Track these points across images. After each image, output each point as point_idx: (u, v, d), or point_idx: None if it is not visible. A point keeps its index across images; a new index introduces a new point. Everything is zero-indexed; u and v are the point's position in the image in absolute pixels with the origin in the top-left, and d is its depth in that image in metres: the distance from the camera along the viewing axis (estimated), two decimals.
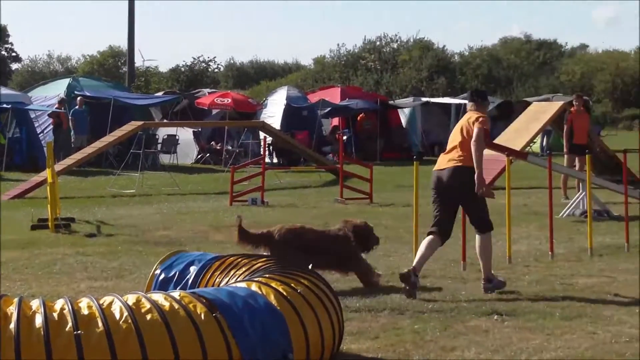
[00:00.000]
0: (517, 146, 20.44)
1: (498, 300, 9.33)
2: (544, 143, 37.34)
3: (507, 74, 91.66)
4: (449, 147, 10.06)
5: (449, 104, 40.59)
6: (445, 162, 9.92)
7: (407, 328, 8.18)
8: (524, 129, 22.64)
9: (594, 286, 10.02)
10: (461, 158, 9.78)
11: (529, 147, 28.93)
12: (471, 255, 11.72)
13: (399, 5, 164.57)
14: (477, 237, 10.12)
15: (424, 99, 43.11)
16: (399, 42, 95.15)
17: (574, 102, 20.04)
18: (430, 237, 9.86)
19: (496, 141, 21.55)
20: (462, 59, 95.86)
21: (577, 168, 18.57)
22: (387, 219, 16.52)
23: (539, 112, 23.27)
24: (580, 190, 16.69)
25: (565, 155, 19.36)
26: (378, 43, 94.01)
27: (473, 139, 9.61)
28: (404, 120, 38.50)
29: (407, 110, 38.61)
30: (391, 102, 42.07)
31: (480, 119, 9.77)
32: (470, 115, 9.96)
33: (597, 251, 12.27)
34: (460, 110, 38.16)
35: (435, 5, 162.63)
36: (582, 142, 19.42)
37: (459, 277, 10.72)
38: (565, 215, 16.24)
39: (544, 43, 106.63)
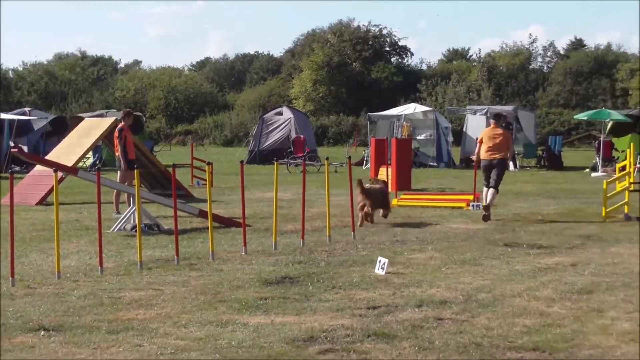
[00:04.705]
0: (70, 161, 20.34)
1: (46, 316, 9.19)
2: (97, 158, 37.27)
3: (62, 89, 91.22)
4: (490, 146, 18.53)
5: (3, 120, 39.31)
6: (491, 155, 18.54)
7: None
8: (77, 145, 22.54)
9: (141, 299, 10.16)
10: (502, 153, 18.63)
11: (82, 162, 28.86)
12: (20, 272, 11.52)
13: None
14: (492, 190, 18.37)
15: None
16: None
17: (123, 118, 20.14)
18: (493, 190, 18.40)
19: (49, 157, 21.36)
20: (18, 75, 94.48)
21: (127, 183, 18.76)
22: None
23: (92, 127, 23.26)
24: (131, 205, 16.87)
25: (119, 171, 19.46)
26: None
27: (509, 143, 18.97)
28: None
29: None
30: None
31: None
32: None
33: (146, 264, 12.46)
34: (14, 125, 37.12)
35: None
36: (134, 157, 19.71)
37: (7, 293, 10.43)
38: (116, 229, 16.32)
39: (99, 59, 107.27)
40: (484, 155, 18.65)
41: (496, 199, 19.10)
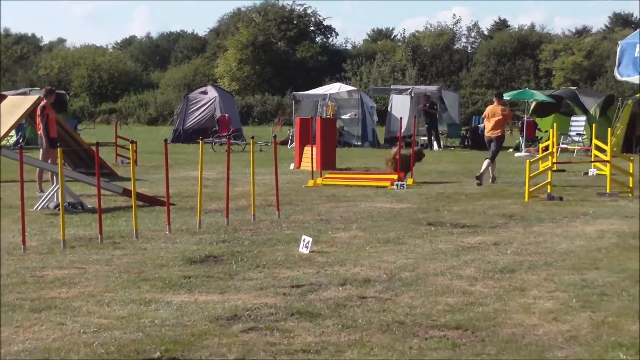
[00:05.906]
0: None
1: None
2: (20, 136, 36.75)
3: None
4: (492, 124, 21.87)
5: None
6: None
7: None
8: None
9: (64, 278, 10.08)
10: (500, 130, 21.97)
11: (5, 141, 28.40)
12: None
13: None
14: (487, 160, 21.43)
15: None
16: None
17: (46, 96, 19.78)
18: (488, 161, 21.55)
19: None
20: None
21: (49, 161, 18.55)
22: None
23: (14, 105, 22.92)
24: (55, 183, 16.69)
25: (41, 149, 19.22)
26: None
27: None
28: None
29: None
30: None
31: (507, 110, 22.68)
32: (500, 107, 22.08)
33: (70, 243, 12.36)
34: None
35: None
36: (56, 135, 19.45)
37: None
38: (39, 208, 16.15)
39: (22, 37, 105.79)
40: (486, 131, 22.23)
41: (493, 170, 22.09)
